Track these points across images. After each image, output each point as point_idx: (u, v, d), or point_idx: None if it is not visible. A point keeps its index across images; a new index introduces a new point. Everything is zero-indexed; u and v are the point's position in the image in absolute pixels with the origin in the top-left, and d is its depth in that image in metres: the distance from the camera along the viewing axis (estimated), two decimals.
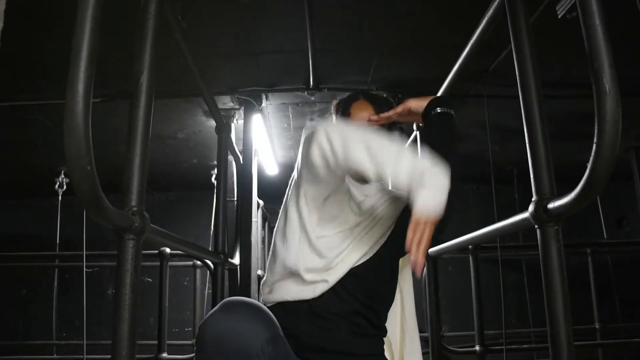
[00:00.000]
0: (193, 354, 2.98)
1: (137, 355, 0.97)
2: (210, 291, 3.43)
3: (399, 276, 1.47)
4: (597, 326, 3.59)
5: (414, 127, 2.56)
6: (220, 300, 2.19)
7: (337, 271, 1.30)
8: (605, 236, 4.82)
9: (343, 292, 1.30)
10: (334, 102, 1.56)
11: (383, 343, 1.40)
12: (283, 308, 1.31)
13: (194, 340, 1.16)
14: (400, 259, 1.45)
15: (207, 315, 1.12)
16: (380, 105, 1.48)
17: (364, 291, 1.32)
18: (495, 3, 1.39)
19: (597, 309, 3.59)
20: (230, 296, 3.06)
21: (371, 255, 1.35)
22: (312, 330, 1.27)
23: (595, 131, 0.79)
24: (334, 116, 1.52)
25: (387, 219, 1.39)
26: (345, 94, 1.57)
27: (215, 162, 2.80)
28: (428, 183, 1.08)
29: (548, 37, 2.54)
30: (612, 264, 4.60)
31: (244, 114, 3.42)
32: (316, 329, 1.27)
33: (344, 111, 1.48)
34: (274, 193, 3.06)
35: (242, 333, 1.06)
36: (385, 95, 1.60)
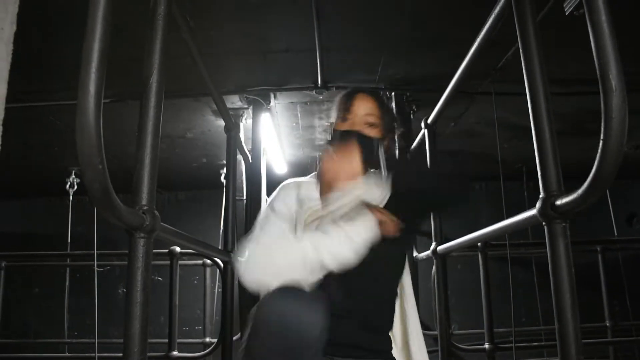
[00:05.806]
0: (202, 352, 3.00)
1: (147, 353, 0.98)
2: (220, 290, 3.45)
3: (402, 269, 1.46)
4: (608, 324, 3.57)
5: (422, 124, 2.56)
6: (230, 299, 2.21)
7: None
8: (615, 234, 4.78)
9: (347, 287, 1.30)
10: (337, 99, 1.54)
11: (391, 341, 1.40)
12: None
13: (250, 318, 1.17)
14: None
15: (266, 297, 1.12)
16: (380, 99, 1.46)
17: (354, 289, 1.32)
18: (502, 0, 1.39)
19: (608, 306, 3.57)
20: (239, 295, 3.08)
21: None
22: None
23: (602, 128, 0.79)
24: (334, 113, 1.51)
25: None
26: (346, 91, 1.55)
27: (224, 161, 2.81)
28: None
29: (559, 33, 2.53)
30: (622, 262, 4.56)
31: (253, 113, 3.43)
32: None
33: (346, 106, 1.45)
34: None
35: (305, 317, 1.07)
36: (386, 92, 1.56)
